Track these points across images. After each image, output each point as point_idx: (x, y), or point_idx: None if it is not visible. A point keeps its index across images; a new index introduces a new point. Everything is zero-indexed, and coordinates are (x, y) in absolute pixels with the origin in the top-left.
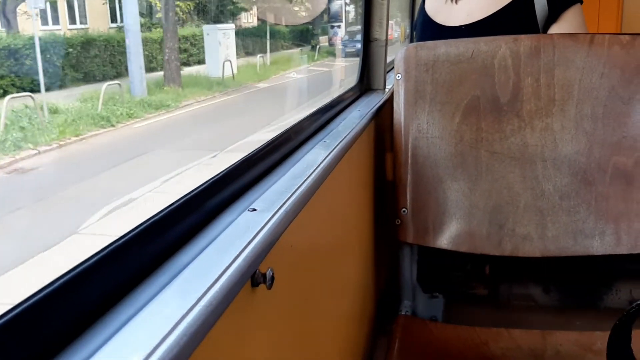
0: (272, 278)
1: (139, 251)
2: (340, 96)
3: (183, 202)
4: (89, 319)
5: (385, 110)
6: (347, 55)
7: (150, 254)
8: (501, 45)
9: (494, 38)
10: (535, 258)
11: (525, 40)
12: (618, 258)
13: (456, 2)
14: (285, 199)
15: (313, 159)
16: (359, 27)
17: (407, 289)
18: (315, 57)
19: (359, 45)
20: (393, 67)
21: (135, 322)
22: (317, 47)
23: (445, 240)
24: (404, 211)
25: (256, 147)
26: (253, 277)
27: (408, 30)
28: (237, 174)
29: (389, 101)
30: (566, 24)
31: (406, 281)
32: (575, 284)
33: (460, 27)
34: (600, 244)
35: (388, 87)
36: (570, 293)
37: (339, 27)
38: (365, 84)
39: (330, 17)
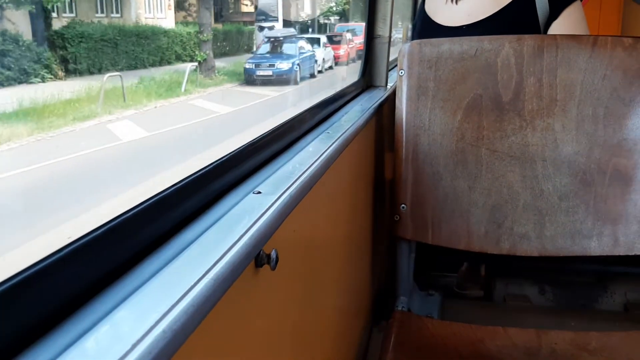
0: (277, 259)
1: (145, 226)
2: (342, 91)
3: (189, 182)
4: (94, 289)
5: (386, 107)
6: (260, 82)
7: (156, 230)
8: (505, 45)
9: (497, 37)
10: (532, 258)
11: (528, 40)
12: (614, 260)
13: (456, 2)
14: (290, 183)
15: (316, 148)
16: (291, 30)
17: (403, 285)
18: (183, 89)
19: (284, 66)
20: (394, 66)
21: (140, 295)
22: (188, 70)
23: (443, 237)
24: (403, 207)
25: (261, 134)
26: (257, 257)
27: (410, 34)
28: (242, 157)
29: (391, 98)
30: (568, 20)
31: (403, 278)
32: (571, 285)
33: (461, 27)
34: (598, 245)
35: (390, 84)
36: (565, 294)
37: (271, 28)
38: (367, 80)
39: (257, 14)
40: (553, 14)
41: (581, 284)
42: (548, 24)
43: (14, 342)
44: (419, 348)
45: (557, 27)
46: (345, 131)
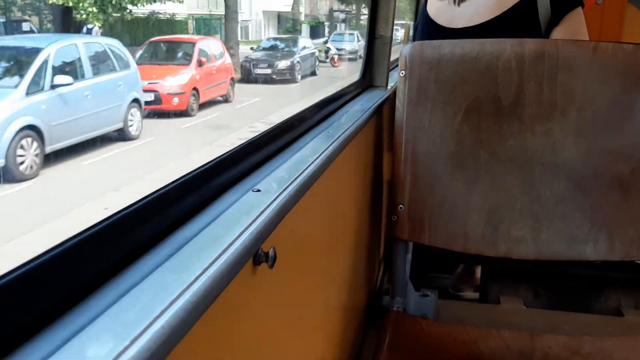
0: (275, 258)
1: (144, 222)
2: (342, 90)
3: (189, 179)
4: (93, 284)
5: (386, 107)
6: None
7: (155, 226)
8: (506, 48)
9: (499, 40)
10: (527, 261)
11: (530, 44)
12: (609, 266)
13: (458, 4)
14: (289, 182)
15: (316, 147)
16: None
17: (399, 285)
18: None
19: None
20: (395, 66)
21: (138, 291)
22: None
23: (440, 238)
24: (401, 208)
25: (261, 132)
26: (256, 255)
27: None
28: (241, 155)
29: (391, 99)
30: (568, 26)
31: (399, 278)
32: (566, 289)
33: (462, 29)
34: (594, 250)
35: (390, 84)
36: (560, 297)
37: None
38: (367, 81)
39: None
40: (554, 20)
41: (576, 288)
42: (549, 29)
43: (13, 336)
44: (413, 348)
45: (558, 33)
46: (345, 131)
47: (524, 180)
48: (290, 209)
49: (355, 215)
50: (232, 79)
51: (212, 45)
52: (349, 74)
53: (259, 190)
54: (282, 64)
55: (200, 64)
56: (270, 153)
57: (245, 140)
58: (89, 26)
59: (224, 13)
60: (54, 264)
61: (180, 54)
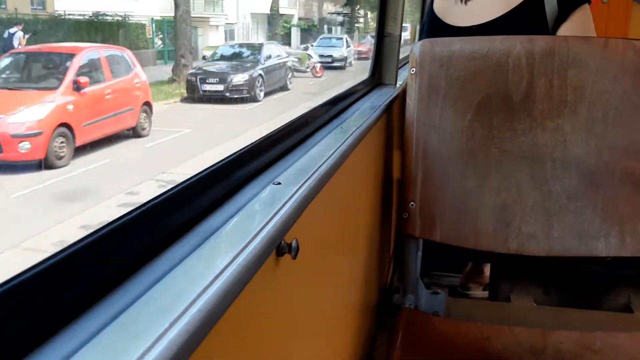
0: (297, 249)
1: (167, 215)
2: (352, 88)
3: (211, 172)
4: (122, 275)
5: (396, 105)
6: None
7: (179, 219)
8: (516, 45)
9: (509, 37)
10: (538, 258)
11: (540, 41)
12: (618, 263)
13: (465, 3)
14: (308, 176)
15: (330, 143)
16: None
17: (411, 282)
18: None
19: None
20: (404, 64)
21: (163, 284)
22: None
23: (451, 235)
24: (412, 205)
25: (277, 127)
26: (279, 246)
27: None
28: (261, 149)
29: (400, 96)
30: (576, 23)
31: (410, 275)
32: (575, 286)
33: (470, 27)
34: (605, 246)
35: (399, 82)
36: (570, 294)
37: None
38: (377, 79)
39: None
40: (561, 16)
41: (585, 285)
42: (556, 26)
43: (56, 317)
44: (425, 345)
45: (565, 30)
46: (358, 127)
47: (535, 177)
48: (309, 202)
49: (367, 212)
50: (146, 103)
51: (111, 56)
52: (332, 85)
53: (279, 183)
54: (238, 78)
55: (77, 86)
56: (288, 147)
57: (264, 135)
58: (11, 30)
59: (200, 15)
60: (95, 248)
61: (52, 72)
